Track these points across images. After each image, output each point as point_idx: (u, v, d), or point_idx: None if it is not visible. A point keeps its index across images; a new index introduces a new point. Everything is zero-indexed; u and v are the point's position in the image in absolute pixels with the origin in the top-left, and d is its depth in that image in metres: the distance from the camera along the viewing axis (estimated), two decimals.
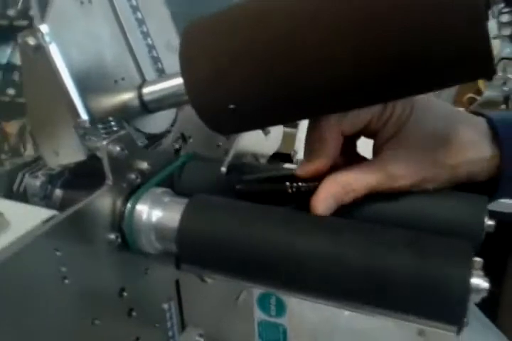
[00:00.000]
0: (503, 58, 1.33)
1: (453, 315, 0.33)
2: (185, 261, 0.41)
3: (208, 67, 0.35)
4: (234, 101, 0.35)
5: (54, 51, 0.36)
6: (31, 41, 0.35)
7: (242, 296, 0.72)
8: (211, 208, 0.40)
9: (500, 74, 1.28)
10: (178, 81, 0.41)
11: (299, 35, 0.32)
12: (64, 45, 0.36)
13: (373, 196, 0.40)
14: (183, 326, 0.56)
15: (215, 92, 0.35)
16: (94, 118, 0.38)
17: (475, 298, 0.33)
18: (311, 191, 0.40)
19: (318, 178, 0.40)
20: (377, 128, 0.40)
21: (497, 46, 1.35)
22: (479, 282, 0.32)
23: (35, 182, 0.41)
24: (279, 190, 0.42)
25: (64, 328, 0.37)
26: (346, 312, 0.73)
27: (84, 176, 0.44)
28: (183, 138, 0.49)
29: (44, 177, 0.42)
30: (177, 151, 0.49)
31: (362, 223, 0.38)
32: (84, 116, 0.37)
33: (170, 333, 0.53)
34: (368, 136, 0.42)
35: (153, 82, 0.42)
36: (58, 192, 0.43)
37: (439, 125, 0.40)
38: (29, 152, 1.99)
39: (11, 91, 2.10)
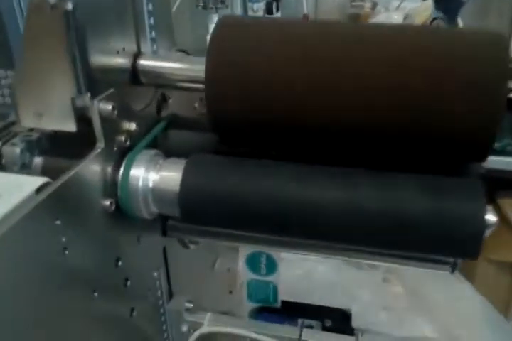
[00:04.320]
0: (435, 18, 1.38)
1: (470, 249, 0.35)
2: (187, 220, 0.40)
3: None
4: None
5: (73, 15, 0.32)
6: None
7: (217, 263, 0.72)
8: (213, 165, 0.39)
9: None
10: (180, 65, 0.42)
11: None
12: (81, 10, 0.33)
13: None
14: (170, 294, 0.55)
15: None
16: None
17: (487, 232, 0.34)
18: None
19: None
20: None
21: (429, 8, 1.40)
22: (491, 217, 0.34)
23: (14, 149, 0.37)
24: None
25: (65, 302, 0.35)
26: (320, 268, 0.76)
27: (63, 142, 0.41)
28: (164, 98, 0.46)
29: (23, 144, 0.38)
30: (158, 112, 0.46)
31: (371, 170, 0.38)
32: (86, 92, 0.34)
33: (160, 301, 0.52)
34: None
35: (152, 57, 0.41)
36: (38, 160, 0.39)
37: None
38: None
39: None
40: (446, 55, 0.35)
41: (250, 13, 1.63)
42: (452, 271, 0.44)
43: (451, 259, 0.44)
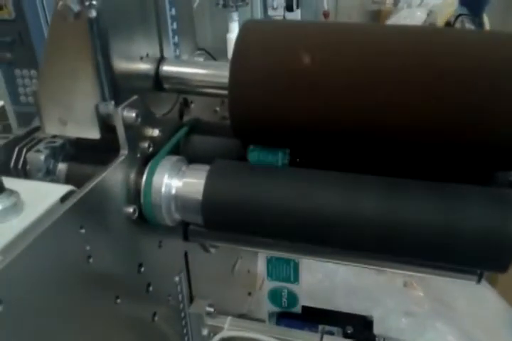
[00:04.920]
0: (459, 15, 1.35)
1: (498, 263, 0.34)
2: (210, 227, 0.39)
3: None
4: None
5: (97, 23, 0.32)
6: (74, 7, 0.31)
7: (237, 265, 0.72)
8: (236, 172, 0.38)
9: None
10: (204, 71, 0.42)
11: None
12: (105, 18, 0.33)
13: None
14: (191, 298, 0.55)
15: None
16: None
17: None
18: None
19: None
20: None
21: (453, 4, 1.37)
22: None
23: (38, 156, 0.38)
24: None
25: (89, 308, 0.35)
26: (340, 271, 0.75)
27: (87, 148, 0.41)
28: (186, 103, 0.46)
29: (47, 150, 0.38)
30: (180, 116, 0.46)
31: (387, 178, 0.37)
32: (110, 99, 0.34)
33: (181, 305, 0.52)
34: None
35: (176, 63, 0.41)
36: (62, 166, 0.40)
37: None
38: None
39: None
40: (486, 60, 0.34)
41: (270, 10, 1.61)
42: (478, 281, 0.43)
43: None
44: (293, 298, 0.55)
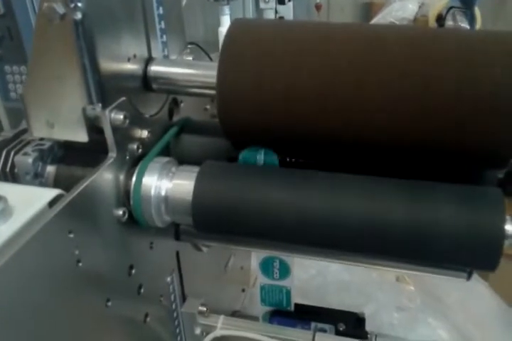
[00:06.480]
0: (451, 8, 1.34)
1: (488, 261, 0.34)
2: (201, 228, 0.39)
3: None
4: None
5: (82, 25, 0.32)
6: (59, 9, 0.31)
7: (230, 262, 0.72)
8: (226, 173, 0.38)
9: (450, 22, 1.30)
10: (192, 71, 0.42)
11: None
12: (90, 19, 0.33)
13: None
14: (183, 297, 0.55)
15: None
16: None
17: (506, 243, 0.33)
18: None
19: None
20: None
21: None
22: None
23: (26, 159, 0.37)
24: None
25: (79, 312, 0.35)
26: (333, 266, 0.75)
27: (75, 150, 0.41)
28: (175, 102, 0.46)
29: (35, 153, 0.38)
30: (170, 116, 0.46)
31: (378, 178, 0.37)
32: (98, 102, 0.34)
33: (173, 305, 0.52)
34: None
35: (164, 62, 0.40)
36: (51, 169, 0.39)
37: None
38: None
39: None
40: (477, 64, 0.34)
41: (262, 3, 1.60)
42: (468, 278, 0.44)
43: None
44: (285, 295, 0.55)
